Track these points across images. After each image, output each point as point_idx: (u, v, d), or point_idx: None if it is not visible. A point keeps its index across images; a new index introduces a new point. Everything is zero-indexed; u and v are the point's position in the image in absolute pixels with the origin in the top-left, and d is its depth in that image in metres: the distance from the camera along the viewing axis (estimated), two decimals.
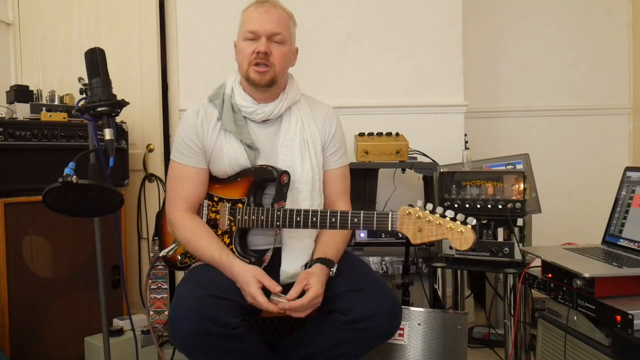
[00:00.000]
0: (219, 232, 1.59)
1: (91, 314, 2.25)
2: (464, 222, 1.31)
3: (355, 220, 1.43)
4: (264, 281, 1.43)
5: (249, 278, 1.43)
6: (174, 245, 1.61)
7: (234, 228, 1.57)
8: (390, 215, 1.38)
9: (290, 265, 1.55)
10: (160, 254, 1.60)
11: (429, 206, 1.35)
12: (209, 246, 1.53)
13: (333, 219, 1.46)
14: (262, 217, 1.53)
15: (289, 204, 1.55)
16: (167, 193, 1.65)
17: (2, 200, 2.05)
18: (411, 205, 1.39)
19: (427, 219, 1.33)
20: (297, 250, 1.56)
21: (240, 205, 1.57)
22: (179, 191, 1.61)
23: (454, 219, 1.32)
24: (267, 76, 1.55)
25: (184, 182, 1.61)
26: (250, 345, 1.43)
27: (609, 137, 3.19)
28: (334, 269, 1.50)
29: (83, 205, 1.58)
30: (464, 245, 1.30)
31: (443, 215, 1.33)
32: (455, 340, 1.78)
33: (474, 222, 1.31)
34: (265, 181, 1.58)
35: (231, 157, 1.59)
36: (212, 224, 1.61)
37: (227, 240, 1.57)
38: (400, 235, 1.37)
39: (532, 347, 1.92)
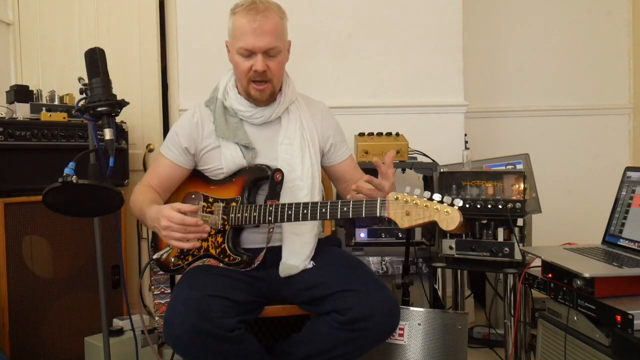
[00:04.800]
0: (212, 232, 1.59)
1: (91, 314, 2.25)
2: (451, 205, 1.33)
3: (345, 209, 1.43)
4: (180, 207, 1.40)
5: (161, 207, 1.43)
6: (167, 248, 1.61)
7: (227, 227, 1.58)
8: (378, 201, 1.39)
9: (290, 258, 1.56)
10: (154, 257, 1.61)
11: (417, 191, 1.37)
12: (142, 196, 1.57)
13: (323, 209, 1.46)
14: (255, 214, 1.53)
15: (289, 202, 1.55)
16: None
17: (2, 200, 2.05)
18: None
19: (414, 202, 1.35)
20: (298, 244, 1.57)
21: (234, 204, 1.58)
22: (150, 178, 1.67)
23: (441, 202, 1.34)
24: (267, 92, 1.58)
25: (158, 171, 1.67)
26: (247, 348, 1.43)
27: (609, 137, 3.19)
28: None
29: (83, 205, 1.58)
30: (450, 225, 1.31)
31: (430, 199, 1.35)
32: (455, 340, 1.78)
33: (460, 203, 1.34)
34: (259, 180, 1.59)
35: (228, 159, 1.60)
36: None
37: (220, 239, 1.58)
38: (387, 219, 1.39)
39: (532, 347, 1.92)
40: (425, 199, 1.35)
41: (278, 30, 1.54)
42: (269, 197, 1.55)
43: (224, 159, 1.61)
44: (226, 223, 1.57)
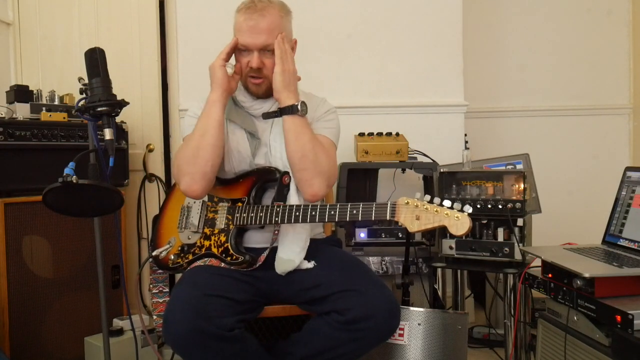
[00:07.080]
0: (216, 231, 1.59)
1: (91, 314, 2.25)
2: (461, 210, 1.36)
3: (355, 211, 1.45)
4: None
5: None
6: (167, 246, 1.61)
7: (231, 226, 1.58)
8: (388, 205, 1.41)
9: (284, 251, 1.55)
10: (153, 253, 1.61)
11: (427, 197, 1.39)
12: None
13: (332, 212, 1.47)
14: (261, 214, 1.54)
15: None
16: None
17: (2, 200, 2.05)
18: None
19: (424, 207, 1.38)
20: (291, 236, 1.56)
21: (239, 204, 1.58)
22: None
23: (451, 208, 1.37)
24: (262, 87, 1.62)
25: None
26: (246, 347, 1.43)
27: (609, 137, 3.19)
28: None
29: (83, 205, 1.58)
30: (460, 230, 1.35)
31: (440, 205, 1.37)
32: (455, 340, 1.77)
33: (470, 210, 1.37)
34: (267, 181, 1.60)
35: (232, 146, 1.62)
36: (210, 223, 1.61)
37: (223, 239, 1.58)
38: (397, 223, 1.41)
39: (532, 347, 1.92)
40: (435, 205, 1.37)
41: (275, 28, 1.56)
42: (277, 199, 1.56)
43: (231, 143, 1.62)
44: (230, 223, 1.58)
